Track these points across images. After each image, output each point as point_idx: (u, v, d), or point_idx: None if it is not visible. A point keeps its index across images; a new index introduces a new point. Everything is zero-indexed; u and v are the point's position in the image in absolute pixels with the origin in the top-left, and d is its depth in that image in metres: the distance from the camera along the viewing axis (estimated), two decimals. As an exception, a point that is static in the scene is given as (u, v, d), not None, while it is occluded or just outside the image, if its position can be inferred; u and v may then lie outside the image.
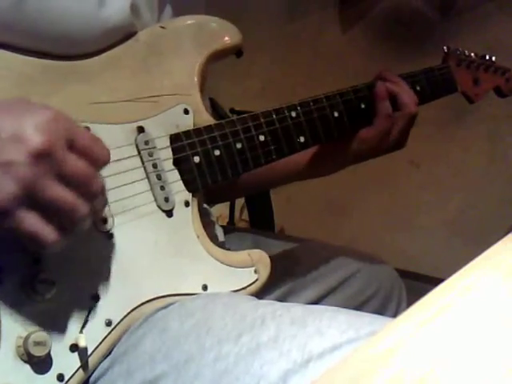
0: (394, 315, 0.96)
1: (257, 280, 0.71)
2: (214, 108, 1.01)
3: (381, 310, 0.96)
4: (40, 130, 0.50)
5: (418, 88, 0.91)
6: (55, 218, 0.52)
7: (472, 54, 1.06)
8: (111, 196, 0.63)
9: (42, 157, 0.50)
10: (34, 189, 0.50)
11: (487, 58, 1.08)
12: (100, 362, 0.60)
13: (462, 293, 0.38)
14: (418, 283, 1.11)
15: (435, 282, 0.39)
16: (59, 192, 0.51)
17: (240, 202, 1.74)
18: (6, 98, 0.55)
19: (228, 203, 1.73)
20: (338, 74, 1.87)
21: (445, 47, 1.02)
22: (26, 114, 0.51)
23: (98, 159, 0.55)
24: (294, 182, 0.94)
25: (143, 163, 0.67)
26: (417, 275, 1.68)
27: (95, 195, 0.54)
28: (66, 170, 0.52)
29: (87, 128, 0.63)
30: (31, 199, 0.50)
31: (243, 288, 0.70)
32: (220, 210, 1.78)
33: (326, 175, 0.92)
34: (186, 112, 0.71)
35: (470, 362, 0.32)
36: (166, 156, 0.69)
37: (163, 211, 0.67)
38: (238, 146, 0.73)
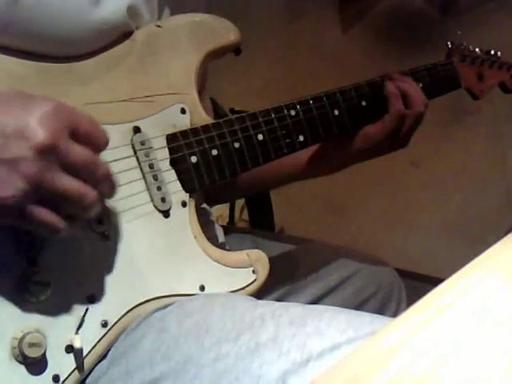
0: (394, 315, 0.96)
1: (255, 280, 0.70)
2: (214, 108, 1.01)
3: (381, 310, 0.96)
4: (43, 124, 0.51)
5: (420, 85, 0.89)
6: (65, 206, 0.53)
7: (477, 50, 1.04)
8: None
9: (47, 151, 0.50)
10: (41, 183, 0.51)
11: (492, 53, 1.06)
12: (96, 363, 0.60)
13: (462, 293, 0.38)
14: (418, 283, 1.11)
15: (435, 281, 0.39)
16: (67, 183, 0.52)
17: (240, 202, 1.73)
18: (2, 90, 0.54)
19: (228, 203, 1.73)
20: (338, 73, 1.86)
21: (448, 42, 1.00)
22: (27, 107, 0.52)
23: (100, 143, 0.56)
24: (294, 182, 0.94)
25: (139, 163, 0.66)
26: (417, 275, 1.68)
27: (101, 179, 0.56)
28: (71, 161, 0.52)
29: None
30: (40, 193, 0.51)
31: (241, 288, 0.69)
32: (220, 210, 1.77)
33: (328, 174, 0.91)
34: (183, 111, 0.71)
35: (469, 362, 0.31)
36: (162, 156, 0.68)
37: (160, 212, 0.67)
38: (236, 145, 0.72)
